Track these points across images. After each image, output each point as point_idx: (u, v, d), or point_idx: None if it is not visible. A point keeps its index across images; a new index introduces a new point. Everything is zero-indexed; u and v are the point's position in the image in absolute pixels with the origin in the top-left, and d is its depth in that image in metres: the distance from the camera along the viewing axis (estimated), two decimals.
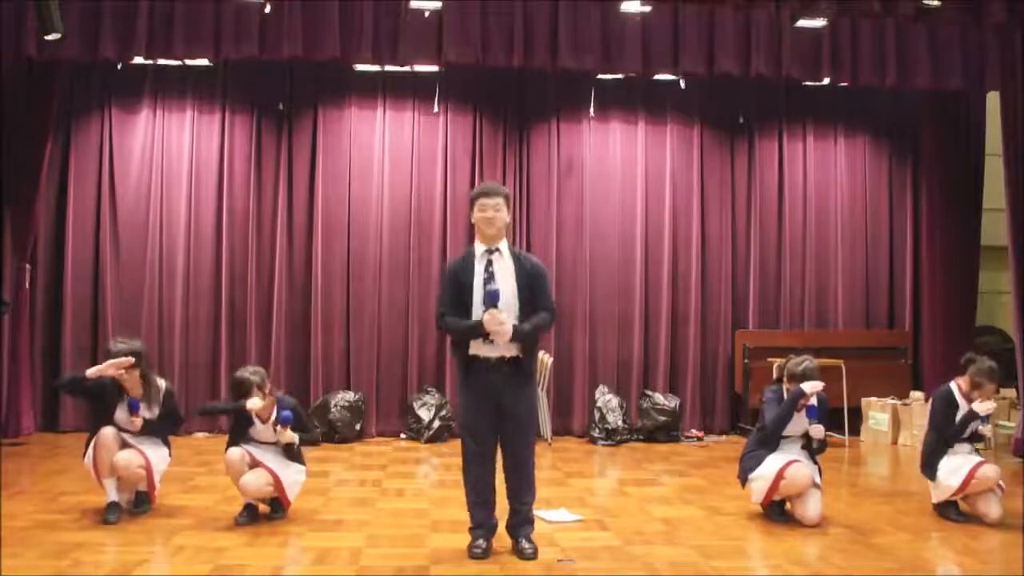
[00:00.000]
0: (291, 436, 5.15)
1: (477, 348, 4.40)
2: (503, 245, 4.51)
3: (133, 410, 5.13)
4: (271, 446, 5.23)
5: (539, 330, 4.48)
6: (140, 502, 5.26)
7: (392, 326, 8.57)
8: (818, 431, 5.28)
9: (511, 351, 4.39)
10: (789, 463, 5.23)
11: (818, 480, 5.32)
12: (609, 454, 7.85)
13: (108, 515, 5.04)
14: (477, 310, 4.37)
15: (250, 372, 5.21)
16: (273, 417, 5.16)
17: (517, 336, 4.33)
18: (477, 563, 4.43)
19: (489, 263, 4.44)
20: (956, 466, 5.36)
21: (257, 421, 5.19)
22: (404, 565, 4.40)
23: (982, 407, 5.31)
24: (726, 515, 5.50)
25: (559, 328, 8.68)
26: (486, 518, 4.56)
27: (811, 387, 5.23)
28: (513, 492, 4.58)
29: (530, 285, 4.44)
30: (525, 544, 4.53)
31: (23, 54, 6.97)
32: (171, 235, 8.41)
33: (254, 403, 5.09)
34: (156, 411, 5.26)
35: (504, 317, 4.26)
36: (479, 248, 4.49)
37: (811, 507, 5.23)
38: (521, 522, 4.59)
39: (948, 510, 5.42)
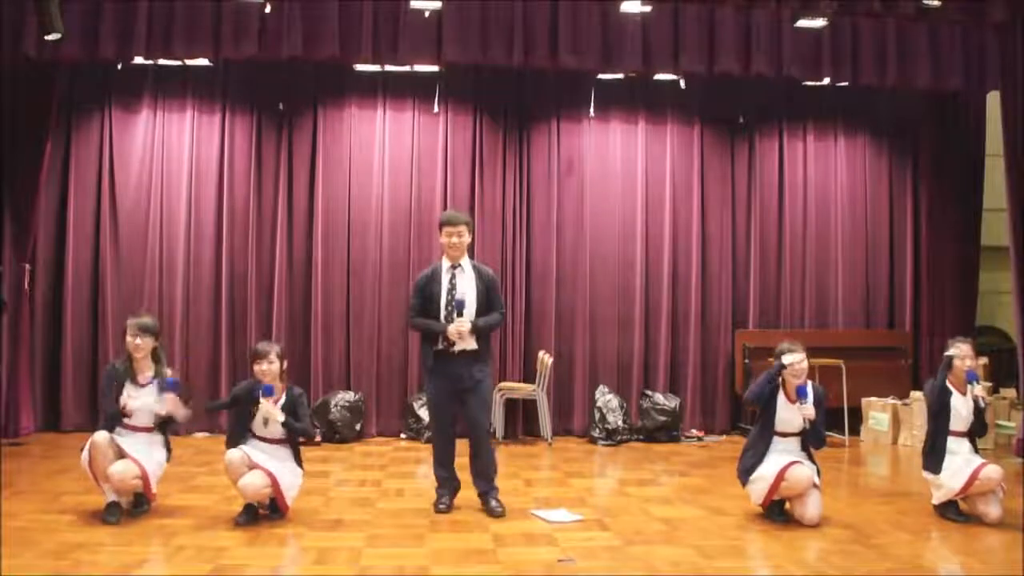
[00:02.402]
0: (273, 411, 5.11)
1: (442, 345, 5.32)
2: (464, 261, 5.46)
3: (167, 387, 5.12)
4: (271, 445, 5.23)
5: (491, 327, 5.47)
6: (139, 503, 5.25)
7: (392, 326, 8.57)
8: (808, 411, 5.27)
9: (471, 345, 5.35)
10: (790, 464, 5.23)
11: (817, 481, 5.32)
12: (609, 454, 7.85)
13: (108, 515, 5.03)
14: (443, 314, 5.36)
15: (271, 343, 5.41)
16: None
17: (475, 329, 5.31)
18: (475, 563, 4.44)
19: (453, 276, 5.40)
20: (959, 467, 5.36)
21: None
22: (404, 565, 4.40)
23: (972, 364, 5.49)
24: (726, 515, 5.50)
25: (559, 328, 8.70)
26: (450, 479, 5.52)
27: (790, 358, 5.30)
28: (478, 473, 5.44)
29: (487, 292, 5.42)
30: (494, 503, 5.36)
31: (23, 54, 6.97)
32: (171, 235, 8.42)
33: (262, 369, 5.17)
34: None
35: (466, 329, 5.24)
36: (445, 264, 5.45)
37: (811, 507, 5.23)
38: (488, 496, 5.42)
39: (948, 510, 5.42)
